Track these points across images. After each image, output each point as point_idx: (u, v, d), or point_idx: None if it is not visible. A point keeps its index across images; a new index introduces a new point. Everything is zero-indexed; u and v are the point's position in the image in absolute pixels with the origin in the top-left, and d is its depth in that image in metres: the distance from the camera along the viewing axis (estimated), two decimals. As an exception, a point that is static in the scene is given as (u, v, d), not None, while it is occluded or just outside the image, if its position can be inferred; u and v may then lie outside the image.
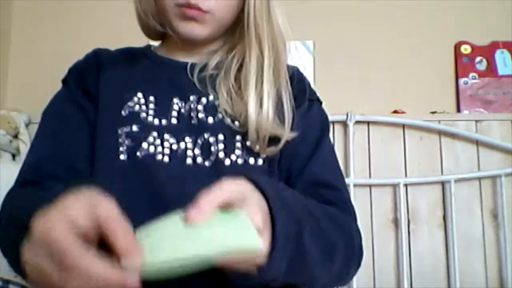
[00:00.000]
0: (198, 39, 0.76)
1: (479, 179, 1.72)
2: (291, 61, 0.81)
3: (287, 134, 0.72)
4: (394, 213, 1.71)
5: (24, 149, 1.71)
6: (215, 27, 0.76)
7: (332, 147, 0.81)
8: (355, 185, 1.69)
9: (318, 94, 0.84)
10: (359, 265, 0.75)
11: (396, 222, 1.70)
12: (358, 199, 1.70)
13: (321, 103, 0.83)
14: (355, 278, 1.62)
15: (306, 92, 0.79)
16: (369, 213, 1.71)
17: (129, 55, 0.82)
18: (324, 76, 1.80)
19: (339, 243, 0.67)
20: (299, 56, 1.78)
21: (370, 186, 1.73)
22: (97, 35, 1.90)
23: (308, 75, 1.73)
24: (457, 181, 1.68)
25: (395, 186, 1.71)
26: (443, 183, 1.71)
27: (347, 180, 1.67)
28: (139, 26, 0.82)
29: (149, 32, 0.82)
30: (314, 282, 0.65)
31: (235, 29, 0.79)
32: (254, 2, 0.74)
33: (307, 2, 1.86)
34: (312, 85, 0.83)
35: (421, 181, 1.71)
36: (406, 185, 1.71)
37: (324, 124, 0.81)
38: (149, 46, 0.85)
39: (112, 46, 0.84)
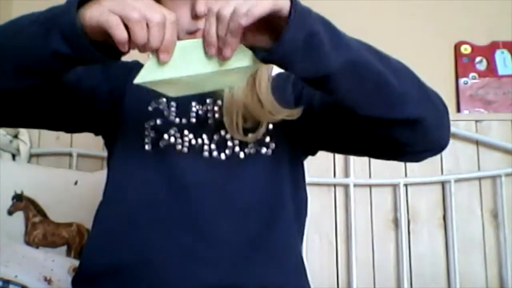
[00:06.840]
0: None
1: (479, 179, 1.72)
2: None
3: (296, 111, 0.82)
4: (394, 213, 1.71)
5: (24, 149, 1.70)
6: None
7: None
8: (355, 185, 1.69)
9: (318, 94, 0.85)
10: (440, 102, 0.76)
11: (396, 222, 1.70)
12: (358, 199, 1.70)
13: None
14: (354, 278, 1.62)
15: None
16: (369, 213, 1.71)
17: None
18: (324, 76, 1.79)
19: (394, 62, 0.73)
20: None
21: (370, 186, 1.73)
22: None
23: (308, 75, 1.73)
24: (457, 181, 1.68)
25: (395, 186, 1.71)
26: (443, 183, 1.71)
27: (347, 180, 1.68)
28: None
29: None
30: (367, 69, 0.69)
31: None
32: None
33: (307, 2, 1.86)
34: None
35: (421, 181, 1.71)
36: (406, 185, 1.70)
37: None
38: None
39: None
